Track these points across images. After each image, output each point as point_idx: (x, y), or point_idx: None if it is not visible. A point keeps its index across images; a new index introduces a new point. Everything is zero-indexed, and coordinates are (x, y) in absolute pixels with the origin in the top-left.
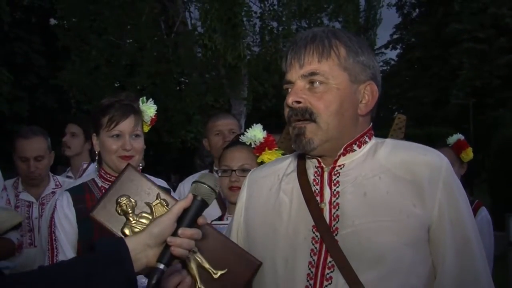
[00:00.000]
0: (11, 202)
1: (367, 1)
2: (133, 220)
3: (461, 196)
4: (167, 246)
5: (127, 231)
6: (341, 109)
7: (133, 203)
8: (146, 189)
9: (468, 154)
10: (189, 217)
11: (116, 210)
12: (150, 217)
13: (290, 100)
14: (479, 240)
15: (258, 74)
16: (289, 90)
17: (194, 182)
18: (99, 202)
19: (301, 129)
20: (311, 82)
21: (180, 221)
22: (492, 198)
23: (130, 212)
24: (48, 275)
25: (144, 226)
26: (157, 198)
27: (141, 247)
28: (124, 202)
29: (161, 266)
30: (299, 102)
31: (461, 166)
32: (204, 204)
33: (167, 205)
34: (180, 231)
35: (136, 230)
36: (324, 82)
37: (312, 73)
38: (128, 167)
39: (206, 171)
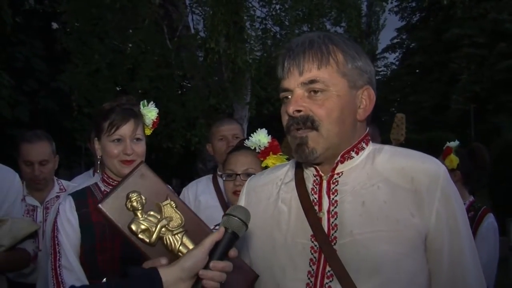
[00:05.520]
0: None
1: (368, 6)
2: (142, 217)
3: (458, 205)
4: (199, 279)
5: (134, 227)
6: (342, 116)
7: (143, 201)
8: (157, 189)
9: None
10: (220, 250)
11: (126, 205)
12: (159, 217)
13: (291, 109)
14: (473, 249)
15: (260, 79)
16: (287, 97)
17: (225, 214)
18: (109, 195)
19: (303, 138)
20: (312, 90)
21: (211, 254)
22: (492, 203)
23: (139, 208)
24: None
25: (152, 224)
26: (166, 199)
27: (173, 280)
28: (135, 198)
29: None
30: (299, 111)
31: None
32: (235, 237)
33: (176, 207)
34: (212, 264)
35: (143, 227)
36: (325, 89)
37: (312, 81)
38: (142, 164)
39: (207, 175)
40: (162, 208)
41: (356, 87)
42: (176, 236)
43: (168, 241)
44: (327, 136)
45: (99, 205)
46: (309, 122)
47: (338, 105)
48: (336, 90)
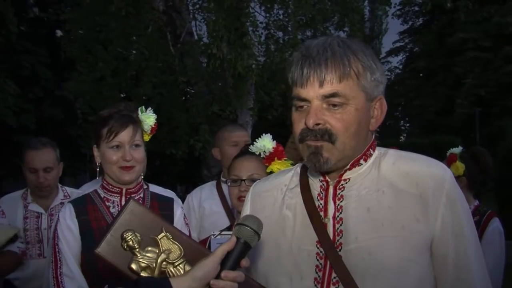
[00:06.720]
0: (18, 214)
1: (371, 11)
2: (140, 255)
3: (464, 209)
4: None
5: (134, 267)
6: (358, 129)
7: (139, 238)
8: (150, 223)
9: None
10: (232, 260)
11: (122, 245)
12: (157, 251)
13: (311, 122)
14: (479, 254)
15: (264, 84)
16: (301, 106)
17: (237, 224)
18: (103, 238)
19: (318, 148)
20: (331, 104)
21: (223, 263)
22: (499, 207)
23: (136, 247)
24: None
25: (152, 261)
26: (162, 231)
27: None
28: (130, 237)
29: None
30: (318, 124)
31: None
32: (247, 247)
33: (173, 238)
34: (223, 273)
35: (143, 265)
36: (344, 103)
37: (333, 94)
38: (131, 200)
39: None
40: (159, 242)
41: (371, 99)
42: (178, 267)
43: (171, 274)
44: (342, 149)
45: (96, 250)
46: (326, 136)
47: (356, 119)
48: (355, 104)
